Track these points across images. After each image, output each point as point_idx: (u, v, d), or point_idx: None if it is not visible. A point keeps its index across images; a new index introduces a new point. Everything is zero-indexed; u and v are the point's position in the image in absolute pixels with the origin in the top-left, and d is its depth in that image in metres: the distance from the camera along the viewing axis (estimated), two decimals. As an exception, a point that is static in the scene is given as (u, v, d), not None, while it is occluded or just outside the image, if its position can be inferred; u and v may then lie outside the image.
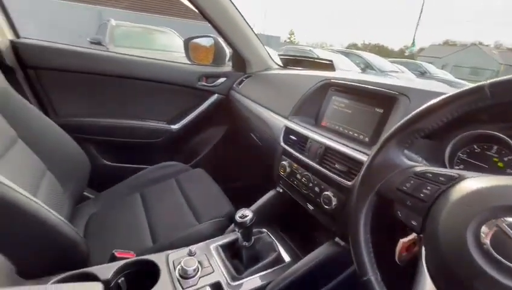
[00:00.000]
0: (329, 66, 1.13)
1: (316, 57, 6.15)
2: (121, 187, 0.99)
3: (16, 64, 0.87)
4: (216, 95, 1.23)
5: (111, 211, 0.88)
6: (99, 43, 4.20)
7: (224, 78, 1.23)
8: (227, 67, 1.29)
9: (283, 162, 0.72)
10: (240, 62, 1.23)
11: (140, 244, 0.73)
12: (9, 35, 0.86)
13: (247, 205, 0.88)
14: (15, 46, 0.86)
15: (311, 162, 0.63)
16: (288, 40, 28.60)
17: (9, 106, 0.72)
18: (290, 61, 1.31)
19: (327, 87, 0.73)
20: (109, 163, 1.10)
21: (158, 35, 5.20)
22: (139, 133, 1.11)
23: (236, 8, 1.07)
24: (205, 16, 1.01)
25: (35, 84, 0.92)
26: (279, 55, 1.30)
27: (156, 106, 1.17)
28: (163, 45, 4.92)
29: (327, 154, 0.60)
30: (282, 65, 1.31)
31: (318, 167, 0.60)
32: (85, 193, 0.96)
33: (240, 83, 1.18)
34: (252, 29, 1.15)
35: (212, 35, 1.26)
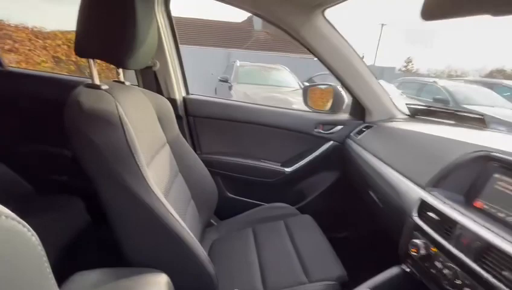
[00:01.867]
0: (479, 121, 0.93)
1: (441, 88, 5.24)
2: (238, 219, 1.12)
3: (184, 113, 1.17)
4: (331, 142, 1.23)
5: (229, 240, 1.00)
6: (226, 81, 5.11)
7: (341, 126, 1.23)
8: (345, 114, 1.28)
9: (415, 240, 0.63)
10: (359, 110, 1.20)
11: (251, 283, 0.78)
12: (183, 93, 1.18)
13: (357, 264, 0.81)
14: (185, 101, 1.17)
15: (462, 256, 0.51)
16: (404, 69, 25.76)
17: (178, 146, 0.96)
18: (419, 111, 1.17)
19: (486, 160, 0.61)
20: (231, 195, 1.27)
21: (272, 72, 5.80)
22: (257, 172, 1.24)
23: (355, 52, 1.07)
24: (324, 62, 1.06)
25: (192, 127, 1.20)
26: (408, 104, 1.19)
27: (274, 149, 1.28)
28: (276, 80, 5.45)
29: (489, 253, 0.48)
30: (409, 114, 1.18)
31: (474, 266, 0.49)
32: (211, 220, 1.14)
33: (358, 133, 1.15)
34: (373, 73, 1.11)
35: (331, 84, 1.30)
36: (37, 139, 1.15)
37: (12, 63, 4.80)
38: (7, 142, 1.14)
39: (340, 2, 0.95)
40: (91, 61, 0.62)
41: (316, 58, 1.09)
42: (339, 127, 1.23)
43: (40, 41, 5.36)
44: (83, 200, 1.12)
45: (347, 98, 1.24)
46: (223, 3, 0.96)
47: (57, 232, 0.95)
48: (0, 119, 1.11)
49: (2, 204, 0.23)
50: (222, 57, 10.05)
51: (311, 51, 1.05)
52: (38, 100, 1.07)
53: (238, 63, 5.66)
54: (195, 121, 1.21)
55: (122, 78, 0.80)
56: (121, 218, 0.61)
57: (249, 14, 12.86)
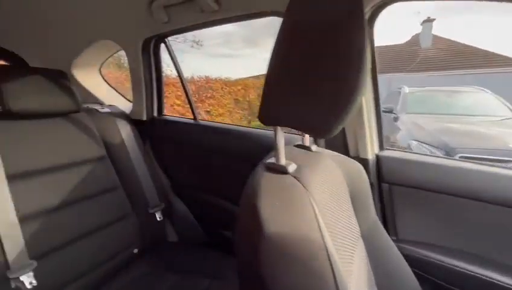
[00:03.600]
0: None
1: None
2: None
3: (376, 179, 0.80)
4: None
5: None
6: (390, 111, 4.30)
7: None
8: None
9: None
10: None
11: None
12: (377, 148, 0.82)
13: None
14: (379, 160, 0.81)
15: None
16: None
17: (373, 236, 0.60)
18: None
19: None
20: None
21: (460, 97, 4.36)
22: None
23: None
24: None
25: (387, 200, 0.81)
26: None
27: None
28: (466, 107, 4.03)
29: None
30: None
31: None
32: None
33: None
34: None
35: None
36: (217, 190, 1.16)
37: (211, 106, 6.50)
38: (192, 188, 1.23)
39: None
40: (278, 130, 0.41)
41: None
42: None
43: (228, 88, 6.99)
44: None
45: None
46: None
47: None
48: (191, 168, 1.21)
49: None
50: (380, 84, 9.02)
51: None
52: (224, 152, 1.08)
53: (406, 89, 4.72)
54: (392, 191, 0.80)
55: (306, 141, 0.56)
56: None
57: (414, 33, 10.92)
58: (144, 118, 1.24)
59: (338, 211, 0.47)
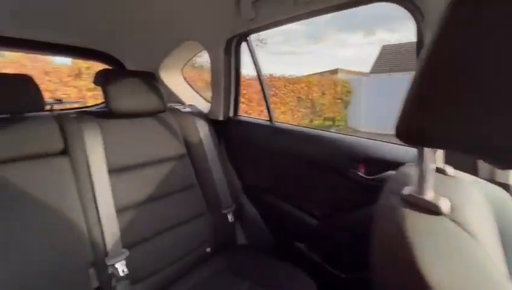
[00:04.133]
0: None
1: None
2: None
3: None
4: None
5: None
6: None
7: None
8: None
9: None
10: None
11: None
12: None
13: None
14: None
15: None
16: None
17: None
18: None
19: None
20: None
21: None
22: None
23: None
24: None
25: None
26: None
27: None
28: None
29: None
30: None
31: None
32: None
33: None
34: None
35: None
36: (290, 197, 1.09)
37: (273, 104, 6.49)
38: (263, 191, 1.19)
39: None
40: (426, 153, 0.29)
41: None
42: None
43: (291, 86, 6.87)
44: (310, 275, 0.89)
45: None
46: None
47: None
48: (264, 170, 1.16)
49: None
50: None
51: None
52: (300, 157, 1.00)
53: None
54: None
55: (440, 160, 0.42)
56: None
57: None
58: (221, 118, 1.25)
59: (502, 265, 0.33)
